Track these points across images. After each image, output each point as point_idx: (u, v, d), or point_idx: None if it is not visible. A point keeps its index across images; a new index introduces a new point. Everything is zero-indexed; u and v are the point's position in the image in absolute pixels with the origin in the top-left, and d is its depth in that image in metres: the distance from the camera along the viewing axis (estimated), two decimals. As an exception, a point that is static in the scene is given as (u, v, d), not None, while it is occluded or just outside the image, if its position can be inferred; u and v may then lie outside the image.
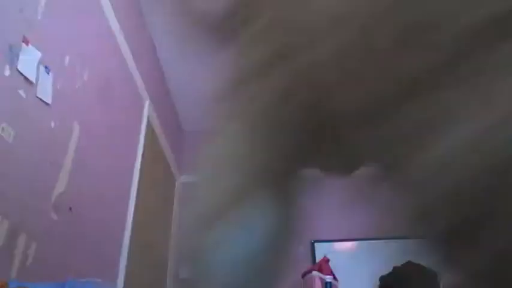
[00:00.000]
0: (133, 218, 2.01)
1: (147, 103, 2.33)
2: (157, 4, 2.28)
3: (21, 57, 1.11)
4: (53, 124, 1.28)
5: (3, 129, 1.02)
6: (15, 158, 1.08)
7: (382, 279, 2.57)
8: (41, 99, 1.21)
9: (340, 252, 2.79)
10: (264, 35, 0.61)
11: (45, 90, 1.23)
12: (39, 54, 1.20)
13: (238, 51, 0.69)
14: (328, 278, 2.37)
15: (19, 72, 1.10)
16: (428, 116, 0.46)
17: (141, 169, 2.16)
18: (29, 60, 1.15)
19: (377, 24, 0.48)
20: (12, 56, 1.08)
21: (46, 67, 1.24)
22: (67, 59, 1.39)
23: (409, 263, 2.55)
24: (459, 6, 0.43)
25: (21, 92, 1.11)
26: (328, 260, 2.48)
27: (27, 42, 1.14)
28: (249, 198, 0.68)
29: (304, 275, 2.47)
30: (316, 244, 2.82)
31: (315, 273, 2.37)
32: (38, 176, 1.20)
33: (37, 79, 1.18)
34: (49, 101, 1.25)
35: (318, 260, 2.64)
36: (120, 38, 1.91)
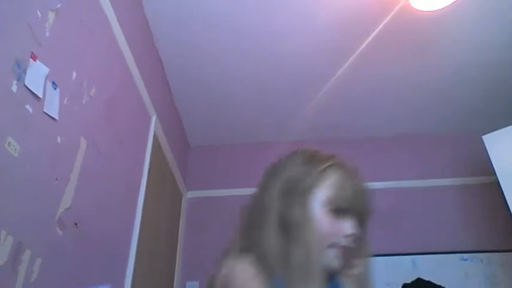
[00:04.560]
0: (140, 233, 2.00)
1: (153, 119, 2.34)
2: (166, 21, 2.31)
3: (28, 72, 1.12)
4: (59, 139, 1.28)
5: (9, 143, 1.02)
6: (21, 172, 1.08)
7: (392, 296, 2.52)
8: (47, 115, 1.21)
9: (349, 269, 2.75)
10: None
11: (52, 105, 1.24)
12: (46, 70, 1.20)
13: None
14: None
15: (26, 87, 1.11)
16: None
17: (147, 184, 2.15)
18: (36, 75, 1.16)
19: None
20: (20, 72, 1.09)
21: (53, 83, 1.25)
22: (74, 74, 1.40)
23: (418, 280, 2.51)
24: None
25: (28, 107, 1.12)
26: (336, 277, 2.44)
27: (34, 58, 1.15)
28: None
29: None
30: (324, 261, 2.79)
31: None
32: (43, 191, 1.19)
33: (44, 94, 1.19)
34: (56, 116, 1.25)
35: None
36: (127, 54, 1.93)
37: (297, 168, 0.90)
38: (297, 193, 0.85)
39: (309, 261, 0.79)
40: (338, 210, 0.85)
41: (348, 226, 0.85)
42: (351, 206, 0.86)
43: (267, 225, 0.84)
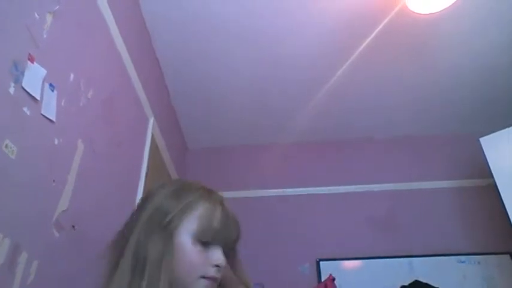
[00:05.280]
0: (137, 236, 1.99)
1: (151, 121, 2.34)
2: (163, 22, 2.31)
3: (26, 74, 1.12)
4: (56, 141, 1.28)
5: (6, 145, 1.02)
6: (18, 174, 1.08)
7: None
8: (45, 117, 1.21)
9: (346, 271, 2.75)
10: None
11: (50, 107, 1.24)
12: (44, 72, 1.20)
13: None
14: (334, 298, 2.32)
15: (24, 89, 1.11)
16: None
17: (145, 187, 2.15)
18: (34, 77, 1.15)
19: None
20: (18, 74, 1.09)
21: (51, 84, 1.24)
22: (71, 76, 1.40)
23: (416, 282, 2.50)
24: None
25: (25, 109, 1.12)
26: (333, 279, 2.44)
27: (32, 60, 1.15)
28: None
29: (309, 295, 2.42)
30: (321, 262, 2.78)
31: (320, 292, 2.33)
32: (40, 193, 1.19)
33: (42, 96, 1.19)
34: (53, 118, 1.25)
35: (323, 278, 2.60)
36: (125, 55, 1.92)
37: (165, 200, 0.90)
38: (161, 226, 0.86)
39: None
40: (206, 240, 0.86)
41: (215, 255, 0.86)
42: (218, 236, 0.88)
43: (121, 264, 0.83)
